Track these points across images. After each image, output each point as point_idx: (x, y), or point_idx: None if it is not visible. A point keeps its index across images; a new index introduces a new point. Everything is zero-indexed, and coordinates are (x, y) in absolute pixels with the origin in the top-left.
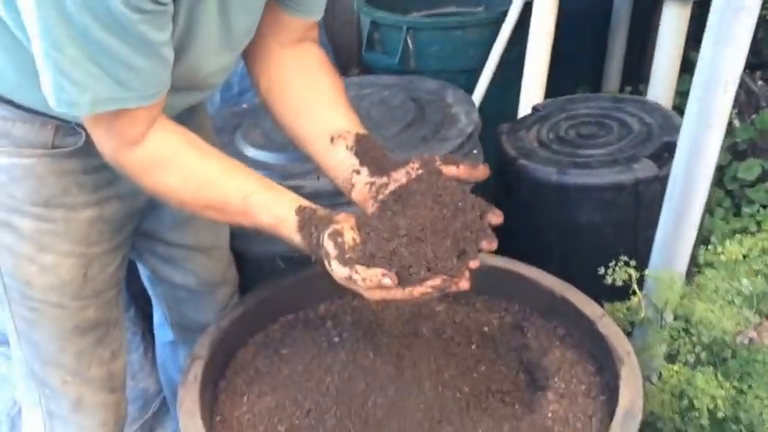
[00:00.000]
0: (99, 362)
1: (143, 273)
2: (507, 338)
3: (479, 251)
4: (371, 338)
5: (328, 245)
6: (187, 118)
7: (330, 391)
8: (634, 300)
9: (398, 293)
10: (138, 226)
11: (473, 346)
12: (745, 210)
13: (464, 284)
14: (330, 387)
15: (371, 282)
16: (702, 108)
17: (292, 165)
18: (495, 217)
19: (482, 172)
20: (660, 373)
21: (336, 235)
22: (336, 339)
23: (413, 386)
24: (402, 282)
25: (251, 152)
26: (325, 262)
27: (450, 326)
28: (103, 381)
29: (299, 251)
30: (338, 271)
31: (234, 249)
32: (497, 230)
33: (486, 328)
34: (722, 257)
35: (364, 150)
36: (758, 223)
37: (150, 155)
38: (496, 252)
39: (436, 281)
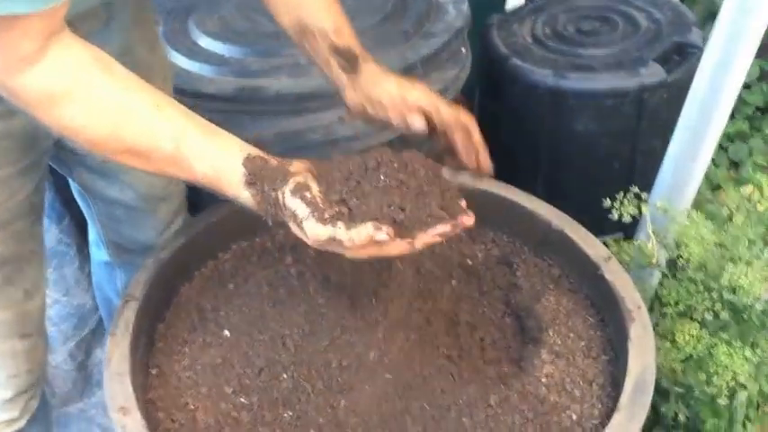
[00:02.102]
0: (8, 303)
1: (73, 187)
2: (493, 274)
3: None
4: (338, 279)
5: (294, 204)
6: (119, 32)
7: (287, 347)
8: (647, 242)
9: (396, 247)
10: (61, 139)
11: (453, 282)
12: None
13: (468, 219)
14: (287, 342)
15: (361, 239)
16: None
17: (252, 60)
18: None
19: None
20: (673, 334)
21: (301, 189)
22: (296, 283)
23: (384, 341)
24: (401, 233)
25: (205, 42)
26: (292, 225)
27: (429, 257)
28: (13, 325)
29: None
30: (316, 233)
31: None
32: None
33: (469, 261)
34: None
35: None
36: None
37: (49, 80)
38: None
39: (445, 226)
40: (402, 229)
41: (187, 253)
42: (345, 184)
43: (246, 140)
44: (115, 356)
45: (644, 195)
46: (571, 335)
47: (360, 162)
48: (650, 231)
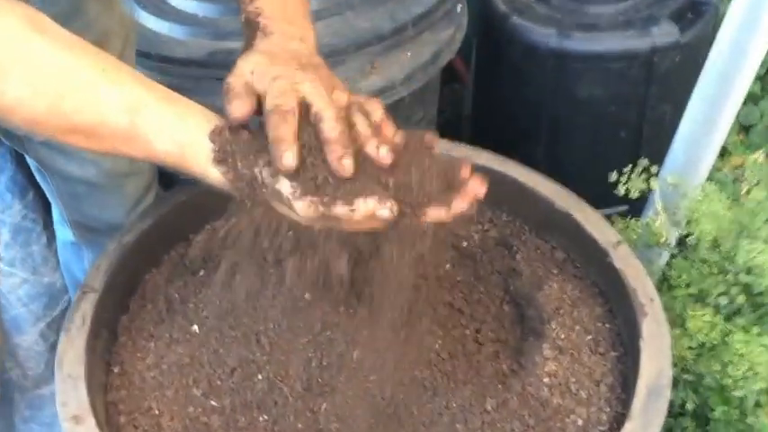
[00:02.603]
0: None
1: (30, 163)
2: (491, 258)
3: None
4: (318, 267)
5: (278, 181)
6: None
7: (262, 344)
8: (656, 220)
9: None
10: None
11: (447, 266)
12: None
13: (480, 187)
14: (261, 338)
15: (361, 215)
16: None
17: (227, 20)
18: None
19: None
20: (684, 319)
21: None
22: (271, 270)
23: (369, 339)
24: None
25: (175, 0)
26: (277, 204)
27: (420, 239)
28: None
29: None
30: (308, 212)
31: None
32: (477, 102)
33: (464, 243)
34: None
35: None
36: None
37: None
38: (476, 134)
39: (460, 202)
40: (407, 204)
41: (155, 236)
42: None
43: (219, 111)
44: (68, 357)
45: (653, 169)
46: (576, 327)
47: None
48: (659, 208)
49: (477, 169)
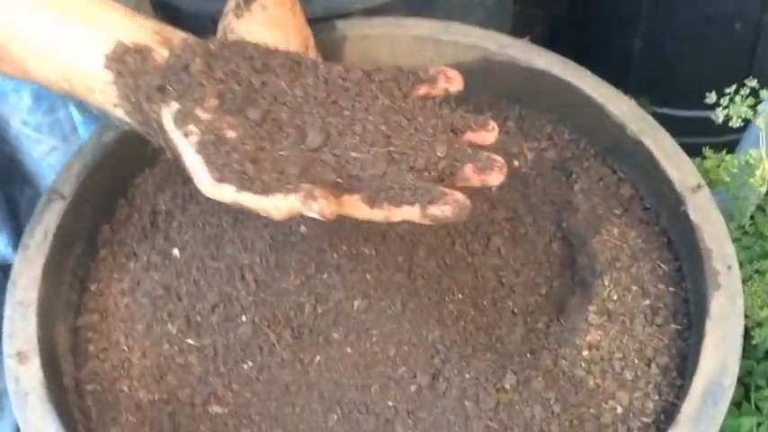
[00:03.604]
0: None
1: None
2: (545, 183)
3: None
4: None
5: (179, 140)
6: None
7: (246, 281)
8: (759, 157)
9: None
10: None
11: (493, 187)
12: None
13: (496, 175)
14: (246, 274)
15: (282, 215)
16: None
17: None
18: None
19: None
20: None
21: (189, 117)
22: None
23: (374, 287)
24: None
25: None
26: (190, 173)
27: None
28: None
29: None
30: (212, 194)
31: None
32: None
33: (515, 162)
34: None
35: None
36: None
37: None
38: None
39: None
40: (365, 192)
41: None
42: (268, 108)
43: None
44: (23, 280)
45: (763, 93)
46: (633, 288)
47: (306, 67)
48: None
49: (536, 75)
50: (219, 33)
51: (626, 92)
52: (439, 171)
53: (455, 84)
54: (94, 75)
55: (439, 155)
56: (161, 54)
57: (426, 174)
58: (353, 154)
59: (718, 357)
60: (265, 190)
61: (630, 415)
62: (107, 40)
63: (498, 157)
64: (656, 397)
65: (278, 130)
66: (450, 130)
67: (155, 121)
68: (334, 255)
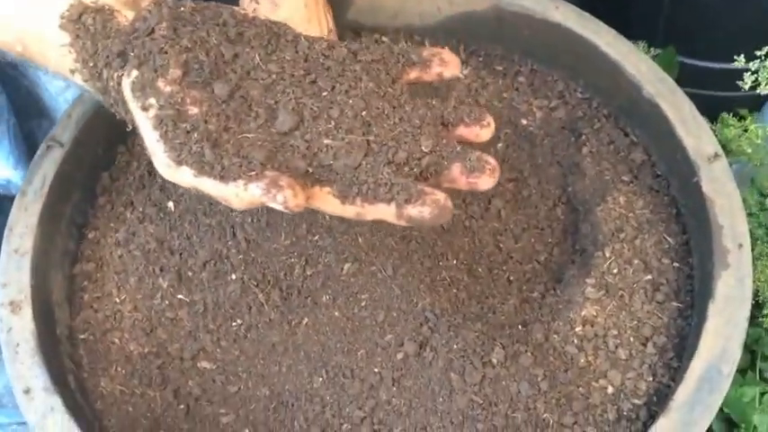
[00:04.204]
0: None
1: None
2: (553, 144)
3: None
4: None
5: (135, 111)
6: None
7: (237, 240)
8: None
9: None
10: None
11: (499, 145)
12: None
13: (487, 179)
14: (237, 232)
15: (243, 204)
16: None
17: None
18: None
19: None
20: None
21: (148, 84)
22: None
23: (366, 250)
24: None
25: None
26: (148, 152)
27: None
28: None
29: None
30: (169, 175)
31: None
32: None
33: (522, 121)
34: None
35: None
36: None
37: None
38: None
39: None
40: (336, 185)
41: None
42: (238, 83)
43: None
44: (19, 227)
45: None
46: (635, 261)
47: (275, 33)
48: None
49: (549, 28)
50: None
51: (653, 42)
52: (422, 167)
53: (451, 68)
54: (49, 37)
55: (423, 149)
56: (125, 16)
57: (407, 169)
58: (327, 141)
59: (719, 342)
60: (225, 176)
61: (621, 396)
62: (64, 1)
63: (491, 159)
64: (650, 378)
65: (246, 109)
66: (440, 122)
67: (114, 90)
68: (326, 216)
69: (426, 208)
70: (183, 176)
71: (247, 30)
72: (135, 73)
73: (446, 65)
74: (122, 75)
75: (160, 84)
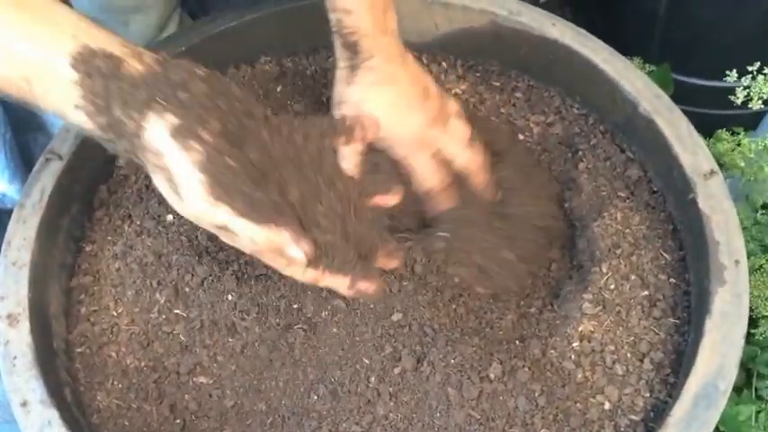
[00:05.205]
0: None
1: None
2: (550, 159)
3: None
4: None
5: (172, 150)
6: None
7: (237, 255)
8: None
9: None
10: None
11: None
12: None
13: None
14: (236, 260)
15: (259, 246)
16: None
17: None
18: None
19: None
20: None
21: (191, 129)
22: None
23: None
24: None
25: None
26: (159, 180)
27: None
28: None
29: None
30: (202, 211)
31: None
32: None
33: (519, 136)
34: None
35: None
36: None
37: None
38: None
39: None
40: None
41: None
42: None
43: None
44: (17, 240)
45: None
46: (632, 277)
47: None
48: None
49: (547, 45)
50: (334, 103)
51: (648, 58)
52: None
53: (371, 131)
54: (58, 73)
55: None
56: (134, 66)
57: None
58: (321, 220)
59: (716, 358)
60: (261, 218)
61: (619, 411)
62: (70, 42)
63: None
64: (647, 394)
65: (263, 177)
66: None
67: (128, 127)
68: None
69: (373, 285)
70: (218, 212)
71: (254, 108)
72: (173, 119)
73: (366, 130)
74: (151, 117)
75: (202, 132)
